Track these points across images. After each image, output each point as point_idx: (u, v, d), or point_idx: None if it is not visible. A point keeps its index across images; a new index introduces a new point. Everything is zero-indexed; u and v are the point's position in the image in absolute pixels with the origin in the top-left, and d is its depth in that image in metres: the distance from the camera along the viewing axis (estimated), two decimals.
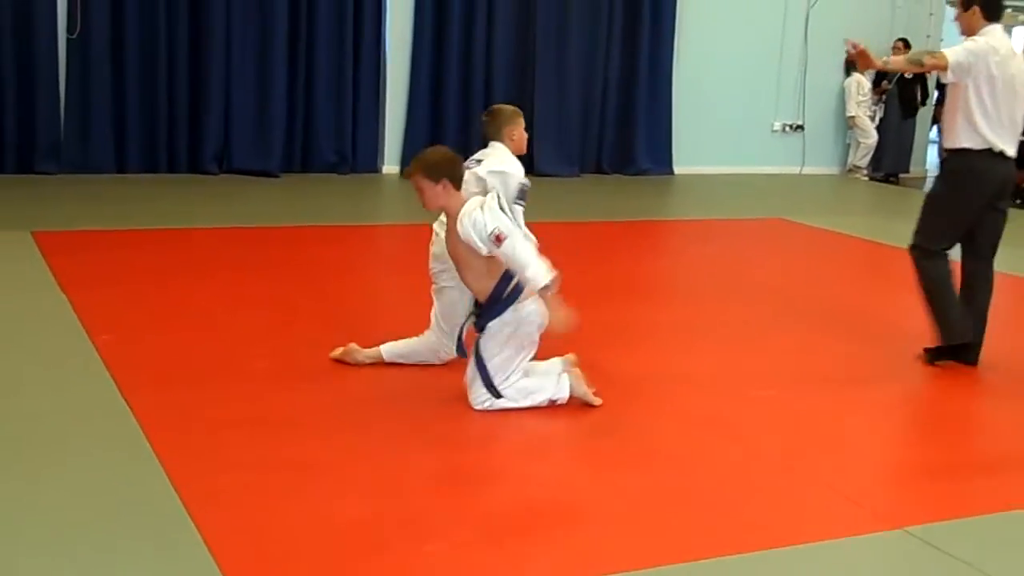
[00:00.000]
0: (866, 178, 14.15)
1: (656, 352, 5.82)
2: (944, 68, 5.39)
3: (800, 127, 14.15)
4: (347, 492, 3.74)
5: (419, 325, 5.94)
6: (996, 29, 5.55)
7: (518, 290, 4.48)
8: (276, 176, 11.17)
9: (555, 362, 4.81)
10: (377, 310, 6.44)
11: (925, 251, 5.64)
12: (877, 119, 14.24)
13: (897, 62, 5.66)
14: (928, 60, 5.60)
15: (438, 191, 4.49)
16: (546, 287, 4.33)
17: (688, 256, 8.91)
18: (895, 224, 10.30)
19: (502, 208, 4.46)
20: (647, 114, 13.05)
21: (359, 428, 4.35)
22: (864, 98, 14.08)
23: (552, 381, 4.68)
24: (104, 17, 10.52)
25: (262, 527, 3.45)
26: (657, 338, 6.18)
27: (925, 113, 14.71)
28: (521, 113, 5.29)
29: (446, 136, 12.03)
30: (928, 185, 5.95)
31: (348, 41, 11.52)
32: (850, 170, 14.33)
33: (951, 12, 15.36)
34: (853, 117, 14.09)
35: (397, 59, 11.94)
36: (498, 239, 4.30)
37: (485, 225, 4.33)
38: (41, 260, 6.87)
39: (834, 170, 14.50)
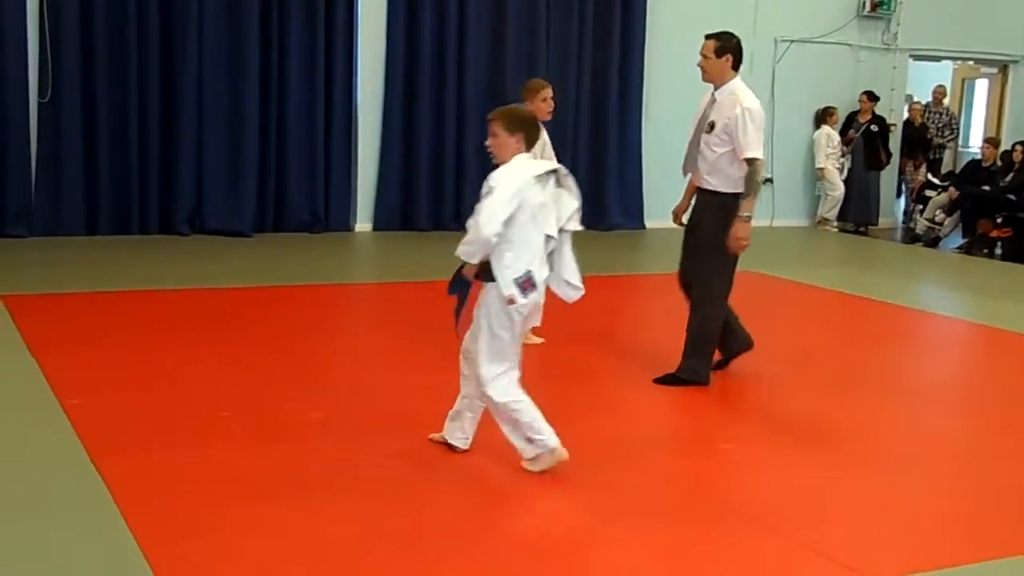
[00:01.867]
0: (835, 230, 14.27)
1: (621, 406, 5.82)
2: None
3: (769, 180, 14.25)
4: (318, 557, 3.72)
5: (392, 382, 5.97)
6: (739, 80, 6.13)
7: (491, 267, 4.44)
8: (248, 236, 11.18)
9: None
10: (350, 369, 6.43)
11: (725, 297, 6.16)
12: (845, 171, 14.39)
13: (749, 204, 5.95)
14: (759, 177, 5.96)
15: (511, 143, 4.54)
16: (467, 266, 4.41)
17: (659, 310, 8.93)
18: (866, 276, 10.42)
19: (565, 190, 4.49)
20: (618, 170, 13.16)
21: (330, 491, 4.33)
22: (833, 151, 14.24)
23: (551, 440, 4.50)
24: (75, 80, 10.55)
25: None
26: (620, 391, 6.18)
27: (890, 165, 14.88)
28: (546, 84, 6.74)
29: (419, 194, 12.11)
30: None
31: (320, 100, 11.60)
32: (819, 222, 14.45)
33: (914, 65, 15.65)
34: (822, 169, 14.23)
35: (368, 118, 12.02)
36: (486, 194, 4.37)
37: (490, 178, 4.40)
38: (11, 323, 6.82)
39: (804, 222, 14.62)
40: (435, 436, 4.87)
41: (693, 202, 6.33)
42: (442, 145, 12.17)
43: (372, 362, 6.67)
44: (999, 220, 12.42)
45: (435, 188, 12.19)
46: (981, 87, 17.53)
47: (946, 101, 16.12)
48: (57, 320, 7.14)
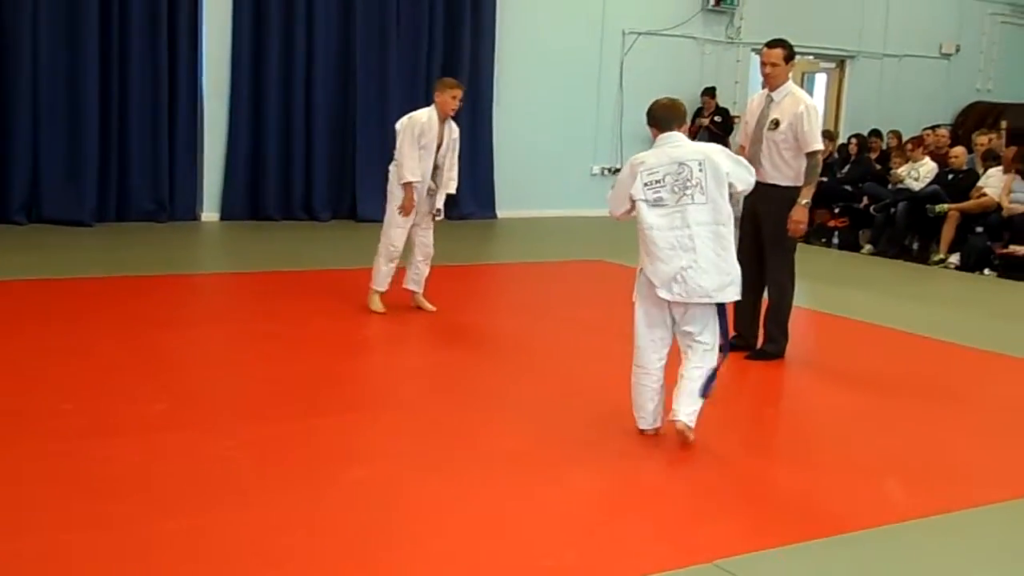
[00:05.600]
0: None
1: (475, 395, 5.86)
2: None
3: (618, 170, 14.44)
4: (150, 551, 3.65)
5: (237, 373, 5.88)
6: (792, 82, 6.70)
7: None
8: (89, 226, 10.83)
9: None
10: (195, 361, 6.30)
11: (793, 279, 6.77)
12: None
13: (809, 192, 6.56)
14: (819, 168, 6.64)
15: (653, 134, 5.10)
16: None
17: (509, 299, 9.01)
18: None
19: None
20: (469, 159, 13.12)
21: (169, 484, 4.25)
22: None
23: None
24: None
25: None
26: (475, 380, 6.22)
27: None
28: (457, 85, 7.58)
29: (267, 182, 11.92)
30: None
31: (163, 87, 11.30)
32: None
33: (757, 59, 16.05)
34: None
35: (215, 103, 11.78)
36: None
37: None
38: None
39: None
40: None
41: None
42: (291, 133, 11.99)
43: (217, 353, 6.55)
44: (836, 210, 12.86)
45: (284, 176, 12.02)
46: (820, 81, 18.11)
47: None
48: None
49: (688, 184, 4.85)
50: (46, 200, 10.85)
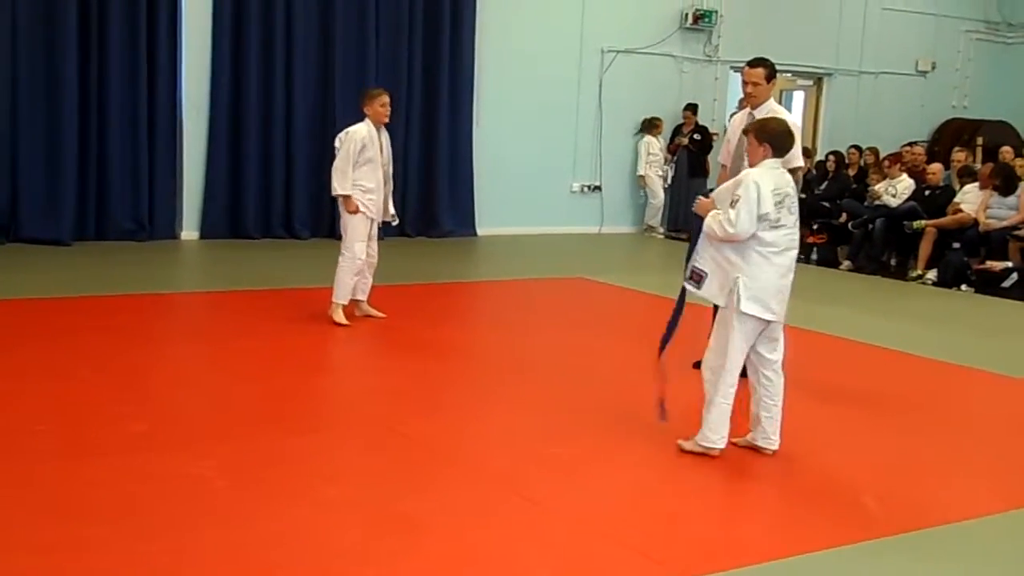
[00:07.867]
0: (661, 236, 14.62)
1: (452, 412, 5.86)
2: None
3: (598, 188, 14.56)
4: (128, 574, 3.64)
5: (218, 393, 5.85)
6: (772, 99, 6.66)
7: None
8: (68, 245, 10.80)
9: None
10: (175, 381, 6.28)
11: None
12: (669, 179, 14.73)
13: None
14: (799, 183, 6.43)
15: (759, 151, 5.03)
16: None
17: (488, 317, 9.01)
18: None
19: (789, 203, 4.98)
20: (449, 177, 13.20)
21: (147, 506, 4.24)
22: (654, 158, 14.59)
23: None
24: None
25: None
26: (453, 398, 6.22)
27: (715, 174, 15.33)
28: (383, 91, 7.83)
29: (247, 199, 11.90)
30: None
31: (142, 105, 11.29)
32: (646, 229, 14.79)
33: (735, 77, 16.20)
34: (642, 177, 14.62)
35: (194, 122, 11.77)
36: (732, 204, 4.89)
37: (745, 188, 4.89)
38: None
39: (631, 229, 14.95)
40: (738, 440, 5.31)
41: None
42: (271, 150, 11.99)
43: (196, 373, 6.53)
44: (815, 227, 12.93)
45: (264, 195, 12.02)
46: (798, 99, 18.24)
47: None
48: None
49: (793, 209, 5.02)
50: (24, 219, 10.83)
